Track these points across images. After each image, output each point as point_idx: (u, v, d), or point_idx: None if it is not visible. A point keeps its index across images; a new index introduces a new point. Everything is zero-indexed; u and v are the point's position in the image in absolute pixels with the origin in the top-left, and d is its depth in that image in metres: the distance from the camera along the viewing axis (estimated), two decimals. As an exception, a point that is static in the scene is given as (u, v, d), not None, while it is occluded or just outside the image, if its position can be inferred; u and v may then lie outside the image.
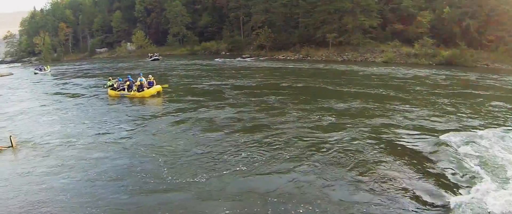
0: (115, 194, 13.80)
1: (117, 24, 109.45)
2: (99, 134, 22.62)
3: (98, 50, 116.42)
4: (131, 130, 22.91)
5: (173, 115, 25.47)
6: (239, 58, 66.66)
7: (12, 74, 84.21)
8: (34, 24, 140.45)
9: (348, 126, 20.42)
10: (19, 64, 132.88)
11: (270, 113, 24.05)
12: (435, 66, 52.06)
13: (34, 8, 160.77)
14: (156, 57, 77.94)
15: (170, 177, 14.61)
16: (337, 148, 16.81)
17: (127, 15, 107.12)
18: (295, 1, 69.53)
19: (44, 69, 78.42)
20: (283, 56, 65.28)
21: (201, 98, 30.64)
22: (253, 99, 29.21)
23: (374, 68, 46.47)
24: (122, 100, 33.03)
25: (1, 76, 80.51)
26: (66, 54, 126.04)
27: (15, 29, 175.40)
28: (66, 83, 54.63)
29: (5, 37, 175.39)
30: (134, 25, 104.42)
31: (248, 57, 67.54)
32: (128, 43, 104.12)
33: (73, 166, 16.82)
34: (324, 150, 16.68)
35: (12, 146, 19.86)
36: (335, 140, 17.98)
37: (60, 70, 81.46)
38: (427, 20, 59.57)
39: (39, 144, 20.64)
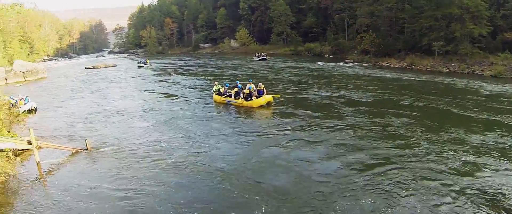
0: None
1: (222, 21, 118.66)
2: (191, 145, 23.01)
3: (202, 45, 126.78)
4: (230, 146, 22.47)
5: (281, 133, 24.17)
6: (342, 63, 67.07)
7: (116, 65, 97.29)
8: (141, 18, 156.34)
9: (490, 167, 17.61)
10: (126, 55, 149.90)
11: (391, 141, 21.46)
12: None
13: (142, 3, 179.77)
14: (264, 57, 79.42)
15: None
16: (481, 199, 14.71)
17: (231, 12, 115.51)
18: (401, 4, 69.57)
19: (146, 62, 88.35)
20: (387, 63, 63.56)
21: (312, 114, 28.84)
22: (370, 120, 26.45)
23: (494, 84, 42.47)
24: (227, 108, 33.13)
25: (106, 67, 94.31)
26: (171, 48, 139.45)
27: (124, 23, 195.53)
28: (166, 80, 58.46)
29: (115, 30, 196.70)
30: (238, 22, 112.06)
31: (351, 62, 68.74)
32: (232, 40, 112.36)
33: (144, 181, 17.92)
34: (469, 201, 14.62)
35: (87, 149, 22.62)
36: (480, 185, 15.78)
37: (162, 65, 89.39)
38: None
39: (116, 150, 22.84)
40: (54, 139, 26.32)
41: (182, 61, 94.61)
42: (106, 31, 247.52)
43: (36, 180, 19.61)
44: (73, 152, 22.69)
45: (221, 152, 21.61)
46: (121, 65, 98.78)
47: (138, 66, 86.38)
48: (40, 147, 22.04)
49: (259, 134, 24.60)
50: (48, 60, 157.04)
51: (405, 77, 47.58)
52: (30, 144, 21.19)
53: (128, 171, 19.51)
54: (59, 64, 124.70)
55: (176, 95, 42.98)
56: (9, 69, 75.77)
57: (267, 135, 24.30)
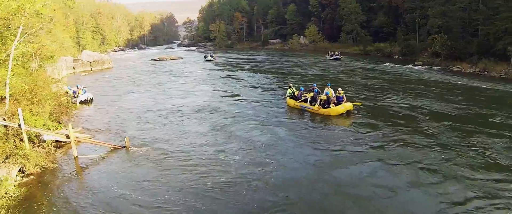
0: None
1: (291, 17, 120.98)
2: (249, 157, 21.16)
3: (271, 41, 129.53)
4: (298, 162, 20.22)
5: (360, 150, 21.50)
6: (410, 65, 65.06)
7: (182, 58, 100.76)
8: (211, 12, 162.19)
9: None
10: (195, 48, 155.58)
11: (495, 172, 18.15)
12: None
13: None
14: (337, 57, 77.21)
15: None
16: None
17: (301, 8, 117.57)
18: (475, 5, 66.35)
19: (212, 57, 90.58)
20: (458, 67, 60.24)
21: (394, 127, 25.79)
22: (462, 140, 22.83)
23: None
24: (301, 115, 30.93)
25: (172, 59, 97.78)
26: (240, 42, 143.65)
27: (194, 16, 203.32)
28: (232, 76, 58.35)
29: (184, 23, 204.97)
30: (308, 19, 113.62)
31: (420, 65, 67.37)
32: (301, 37, 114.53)
33: (181, 193, 17.22)
34: None
35: (126, 147, 23.01)
36: None
37: (229, 60, 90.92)
38: None
39: (158, 151, 22.65)
40: (99, 133, 27.50)
41: (250, 57, 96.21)
42: (176, 24, 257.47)
43: (71, 174, 20.06)
44: (111, 148, 23.10)
45: (285, 169, 19.37)
46: (187, 58, 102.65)
47: (206, 60, 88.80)
48: (78, 141, 22.84)
49: (334, 150, 21.97)
50: (119, 50, 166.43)
51: (484, 86, 43.12)
52: (68, 138, 21.87)
53: (166, 177, 18.87)
54: (129, 55, 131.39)
55: (240, 95, 41.66)
56: (77, 59, 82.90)
57: (343, 151, 21.66)
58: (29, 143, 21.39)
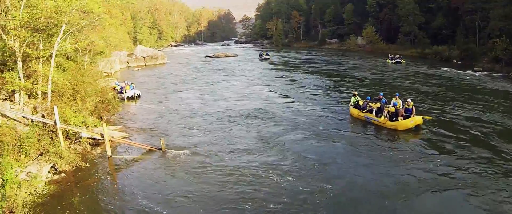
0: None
1: (349, 17, 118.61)
2: (298, 173, 19.30)
3: (328, 40, 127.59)
4: (356, 185, 18.20)
5: (432, 176, 18.68)
6: (469, 71, 59.70)
7: (237, 56, 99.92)
8: (268, 10, 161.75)
9: None
10: (251, 45, 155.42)
11: None
12: None
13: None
14: (398, 60, 73.59)
15: None
16: None
17: (359, 8, 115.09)
18: None
19: (267, 55, 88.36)
20: None
21: (468, 148, 22.31)
22: None
23: None
24: (364, 127, 28.03)
25: (226, 56, 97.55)
26: (297, 41, 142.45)
27: (251, 13, 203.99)
28: (286, 77, 55.56)
29: (241, 20, 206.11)
30: (366, 19, 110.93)
31: (480, 71, 64.12)
32: (359, 37, 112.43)
33: (214, 203, 16.47)
34: None
35: (161, 149, 22.70)
36: None
37: (285, 59, 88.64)
38: None
39: (195, 156, 21.87)
40: (139, 132, 27.49)
41: (307, 56, 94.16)
42: (234, 21, 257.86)
43: (102, 175, 19.94)
44: (147, 150, 22.89)
45: (345, 198, 16.90)
46: (242, 55, 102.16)
47: (262, 59, 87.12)
48: (113, 141, 22.72)
49: (402, 174, 19.19)
50: (175, 46, 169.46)
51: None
52: (103, 137, 21.90)
53: (200, 192, 17.60)
54: (184, 51, 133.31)
55: (295, 99, 38.90)
56: (131, 54, 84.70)
57: (411, 176, 18.81)
58: (66, 140, 21.78)
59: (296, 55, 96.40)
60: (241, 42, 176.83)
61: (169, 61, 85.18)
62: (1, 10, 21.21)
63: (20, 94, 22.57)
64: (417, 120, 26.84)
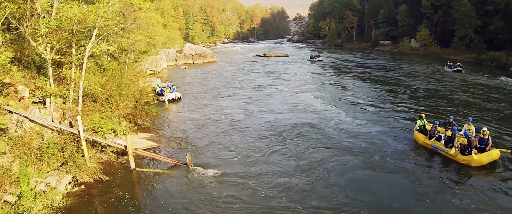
0: None
1: (402, 18, 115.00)
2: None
3: (381, 42, 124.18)
4: None
5: None
6: None
7: (288, 56, 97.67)
8: (322, 9, 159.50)
9: None
10: (303, 45, 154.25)
11: None
12: None
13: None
14: (459, 68, 64.04)
15: None
16: None
17: (413, 9, 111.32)
18: None
19: (318, 57, 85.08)
20: None
21: None
22: None
23: None
24: (431, 158, 23.62)
25: (276, 56, 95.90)
26: (350, 41, 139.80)
27: (305, 12, 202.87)
28: (337, 84, 52.08)
29: (295, 19, 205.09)
30: (420, 21, 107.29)
31: None
32: (412, 40, 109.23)
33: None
34: None
35: (187, 164, 21.75)
36: None
37: (337, 61, 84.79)
38: None
39: (222, 176, 20.55)
40: (170, 142, 26.49)
41: (359, 59, 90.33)
42: (287, 19, 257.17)
43: (123, 189, 19.09)
44: (172, 164, 22.03)
45: None
46: (293, 55, 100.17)
47: (313, 61, 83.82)
48: (137, 154, 21.90)
49: None
50: (228, 42, 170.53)
51: None
52: (126, 149, 21.25)
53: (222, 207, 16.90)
54: (235, 48, 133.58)
55: (346, 114, 34.71)
56: (180, 50, 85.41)
57: None
58: (91, 149, 21.46)
59: (348, 58, 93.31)
60: (294, 41, 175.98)
61: (218, 60, 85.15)
62: (30, 17, 21.23)
63: (50, 100, 22.62)
64: (494, 154, 22.09)
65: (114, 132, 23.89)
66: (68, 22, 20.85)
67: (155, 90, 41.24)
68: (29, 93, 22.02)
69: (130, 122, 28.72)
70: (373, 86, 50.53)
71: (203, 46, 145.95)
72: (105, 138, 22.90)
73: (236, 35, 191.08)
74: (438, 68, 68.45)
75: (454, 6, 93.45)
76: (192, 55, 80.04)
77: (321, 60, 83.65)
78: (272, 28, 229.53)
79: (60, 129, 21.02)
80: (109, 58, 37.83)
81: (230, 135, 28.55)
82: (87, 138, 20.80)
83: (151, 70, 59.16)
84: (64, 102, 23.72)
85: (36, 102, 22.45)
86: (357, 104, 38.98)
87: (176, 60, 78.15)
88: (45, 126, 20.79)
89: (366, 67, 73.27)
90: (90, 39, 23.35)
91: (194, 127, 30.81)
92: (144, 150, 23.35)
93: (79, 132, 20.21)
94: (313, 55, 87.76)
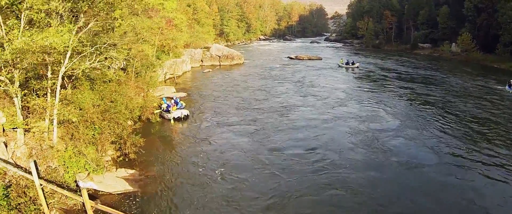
0: None
1: (443, 20, 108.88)
2: None
3: (420, 45, 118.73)
4: None
5: None
6: None
7: (321, 59, 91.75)
8: (360, 8, 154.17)
9: None
10: (340, 45, 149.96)
11: None
12: None
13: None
14: None
15: None
16: None
17: (454, 11, 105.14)
18: None
19: (353, 64, 76.73)
20: None
21: None
22: None
23: None
24: None
25: (309, 59, 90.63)
26: (388, 43, 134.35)
27: (343, 9, 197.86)
28: (373, 101, 44.40)
29: (332, 17, 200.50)
30: (462, 24, 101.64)
31: None
32: (453, 44, 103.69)
33: None
34: None
35: None
36: None
37: (374, 67, 77.55)
38: None
39: None
40: (154, 186, 21.64)
41: (397, 66, 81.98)
42: (326, 17, 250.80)
43: None
44: None
45: None
46: (327, 59, 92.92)
47: (348, 67, 76.48)
48: (95, 209, 17.72)
49: None
50: (264, 40, 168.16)
51: None
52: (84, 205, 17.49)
53: None
54: (269, 47, 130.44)
55: (383, 149, 27.65)
56: (208, 47, 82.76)
57: None
58: (56, 194, 18.47)
59: (385, 64, 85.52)
60: (331, 41, 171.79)
61: (246, 61, 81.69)
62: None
63: (20, 132, 19.84)
64: None
65: (87, 170, 20.66)
66: (28, 53, 17.88)
67: (161, 105, 37.04)
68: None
69: (118, 149, 24.97)
70: (416, 106, 42.48)
71: (239, 43, 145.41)
72: (76, 178, 19.81)
73: (273, 32, 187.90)
74: (495, 87, 55.10)
75: (499, 9, 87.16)
76: (219, 57, 77.05)
77: (357, 67, 76.39)
78: (310, 25, 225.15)
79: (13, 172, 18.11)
80: (115, 68, 35.04)
81: (238, 176, 22.31)
82: (43, 185, 17.52)
83: (171, 74, 56.53)
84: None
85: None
86: (398, 133, 31.67)
87: (202, 61, 75.38)
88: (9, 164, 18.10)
89: (406, 74, 68.43)
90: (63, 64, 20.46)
91: (193, 165, 24.51)
92: (118, 194, 20.04)
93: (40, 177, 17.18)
94: (348, 61, 79.20)
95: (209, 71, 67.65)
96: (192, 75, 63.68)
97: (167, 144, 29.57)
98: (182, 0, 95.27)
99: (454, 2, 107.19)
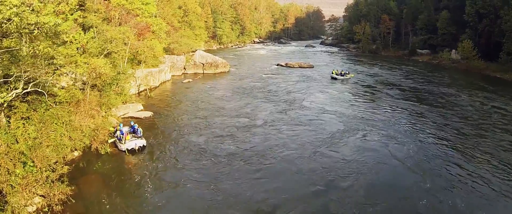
0: None
1: (443, 26, 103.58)
2: None
3: (419, 51, 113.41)
4: None
5: None
6: None
7: (313, 67, 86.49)
8: (357, 12, 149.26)
9: None
10: (336, 49, 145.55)
11: None
12: None
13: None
14: None
15: None
16: None
17: (455, 16, 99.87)
18: None
19: (347, 74, 71.61)
20: None
21: None
22: None
23: None
24: None
25: (300, 67, 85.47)
26: (385, 48, 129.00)
27: (340, 12, 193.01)
28: (367, 124, 39.61)
29: (329, 20, 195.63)
30: (462, 30, 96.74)
31: None
32: (453, 51, 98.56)
33: None
34: None
35: None
36: None
37: (368, 77, 73.02)
38: None
39: None
40: None
41: (395, 75, 77.23)
42: (323, 19, 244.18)
43: None
44: None
45: None
46: (319, 67, 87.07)
47: (341, 78, 70.16)
48: None
49: None
50: (258, 43, 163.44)
51: None
52: None
53: None
54: (262, 51, 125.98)
55: (382, 184, 25.11)
56: (192, 54, 77.66)
57: None
58: None
59: (382, 73, 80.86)
60: (326, 44, 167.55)
61: (232, 69, 76.91)
62: None
63: None
64: None
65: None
66: None
67: (115, 133, 31.16)
68: None
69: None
70: (415, 127, 38.28)
71: (232, 46, 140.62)
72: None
73: (268, 34, 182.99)
74: (505, 102, 51.48)
75: (502, 15, 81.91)
76: (203, 64, 71.80)
77: (348, 78, 70.96)
78: (306, 28, 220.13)
79: None
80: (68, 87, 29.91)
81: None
82: None
83: (146, 86, 50.94)
84: None
85: None
86: (396, 164, 27.87)
87: (185, 68, 70.11)
88: None
89: (403, 84, 65.38)
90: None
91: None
92: None
93: None
94: (341, 72, 73.16)
95: (189, 81, 62.36)
96: (170, 86, 58.33)
97: (113, 187, 23.96)
98: (173, 1, 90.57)
99: (455, 7, 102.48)
